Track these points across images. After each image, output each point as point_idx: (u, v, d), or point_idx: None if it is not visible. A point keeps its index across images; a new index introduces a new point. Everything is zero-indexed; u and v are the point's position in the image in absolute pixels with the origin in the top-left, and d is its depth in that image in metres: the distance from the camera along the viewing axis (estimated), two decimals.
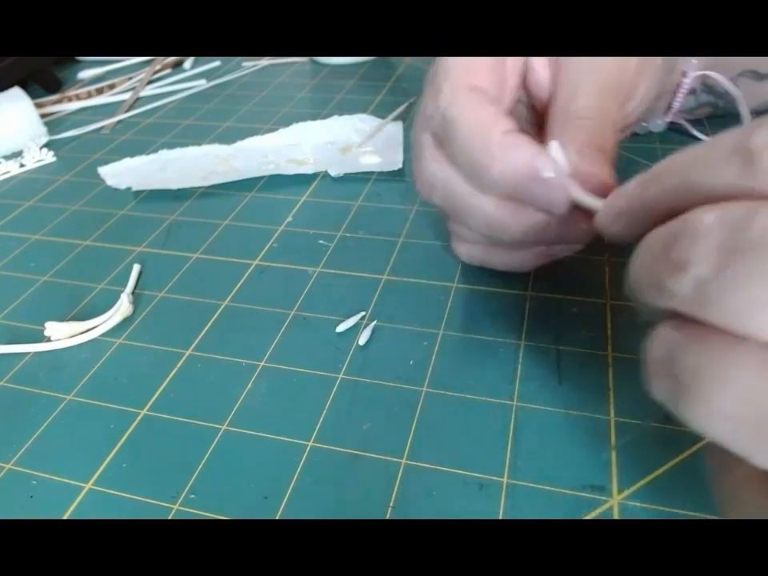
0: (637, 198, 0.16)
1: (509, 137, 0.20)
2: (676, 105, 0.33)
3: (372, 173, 0.36)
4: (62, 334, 0.26)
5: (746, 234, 0.12)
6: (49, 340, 0.26)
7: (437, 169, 0.23)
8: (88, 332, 0.26)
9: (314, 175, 0.36)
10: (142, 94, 0.50)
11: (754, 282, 0.11)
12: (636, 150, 0.35)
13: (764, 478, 0.13)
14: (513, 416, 0.21)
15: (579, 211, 0.20)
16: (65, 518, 0.19)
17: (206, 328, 0.26)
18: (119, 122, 0.46)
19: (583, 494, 0.19)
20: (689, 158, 0.14)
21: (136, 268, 0.29)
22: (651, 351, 0.14)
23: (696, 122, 0.35)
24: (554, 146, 0.20)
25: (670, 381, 0.13)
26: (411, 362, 0.24)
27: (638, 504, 0.18)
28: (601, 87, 0.23)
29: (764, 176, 0.12)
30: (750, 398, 0.12)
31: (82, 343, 0.26)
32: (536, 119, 0.27)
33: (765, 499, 0.13)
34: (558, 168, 0.20)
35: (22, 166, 0.40)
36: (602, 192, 0.19)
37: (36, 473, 0.21)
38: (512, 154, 0.20)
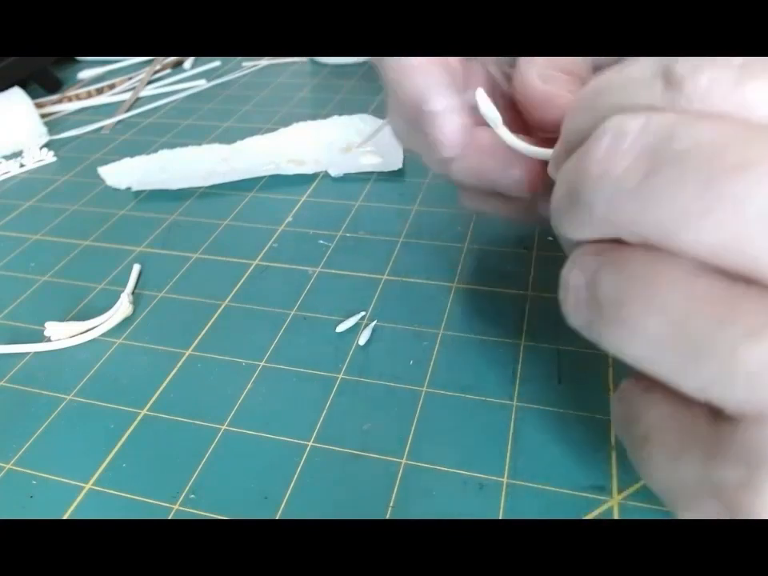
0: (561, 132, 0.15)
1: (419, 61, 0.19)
2: None
3: (372, 173, 0.36)
4: (62, 334, 0.26)
5: (676, 142, 0.11)
6: (49, 340, 0.26)
7: None
8: (88, 332, 0.26)
9: (314, 175, 0.36)
10: (142, 94, 0.50)
11: (685, 191, 0.11)
12: None
13: (676, 414, 0.13)
14: (513, 416, 0.21)
15: (513, 157, 0.19)
16: (65, 517, 0.19)
17: (206, 328, 0.26)
18: (119, 122, 0.46)
19: (583, 494, 0.19)
20: (605, 84, 0.13)
21: (136, 268, 0.29)
22: (570, 278, 0.14)
23: None
24: (479, 94, 0.19)
25: (592, 307, 0.13)
26: (411, 362, 0.24)
27: (638, 504, 0.18)
28: None
29: (687, 96, 0.12)
30: (676, 318, 0.11)
31: (81, 343, 0.26)
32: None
33: (677, 434, 0.13)
34: (448, 104, 0.19)
35: (22, 166, 0.40)
36: None
37: (36, 473, 0.21)
38: (412, 76, 0.19)
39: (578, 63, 0.20)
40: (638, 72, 0.13)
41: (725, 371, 0.11)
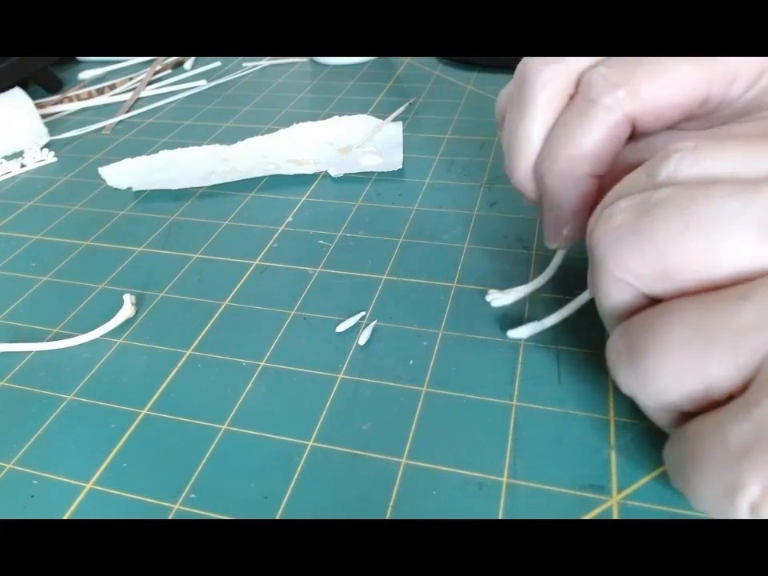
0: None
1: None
2: None
3: (372, 173, 0.36)
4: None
5: (651, 198, 0.16)
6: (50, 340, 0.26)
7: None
8: (89, 332, 0.26)
9: (314, 175, 0.37)
10: (143, 94, 0.50)
11: (666, 223, 0.15)
12: None
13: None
14: (513, 416, 0.21)
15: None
16: (65, 517, 0.19)
17: (207, 328, 0.26)
18: (120, 122, 0.46)
19: (583, 494, 0.19)
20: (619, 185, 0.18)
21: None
22: (611, 341, 0.18)
23: None
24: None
25: (626, 359, 0.17)
26: (411, 362, 0.24)
27: (638, 503, 0.18)
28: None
29: (660, 179, 0.16)
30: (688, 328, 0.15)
31: (82, 343, 0.26)
32: None
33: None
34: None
35: (22, 166, 0.41)
36: None
37: (37, 472, 0.21)
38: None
39: None
40: (633, 174, 0.18)
41: (731, 353, 0.14)
